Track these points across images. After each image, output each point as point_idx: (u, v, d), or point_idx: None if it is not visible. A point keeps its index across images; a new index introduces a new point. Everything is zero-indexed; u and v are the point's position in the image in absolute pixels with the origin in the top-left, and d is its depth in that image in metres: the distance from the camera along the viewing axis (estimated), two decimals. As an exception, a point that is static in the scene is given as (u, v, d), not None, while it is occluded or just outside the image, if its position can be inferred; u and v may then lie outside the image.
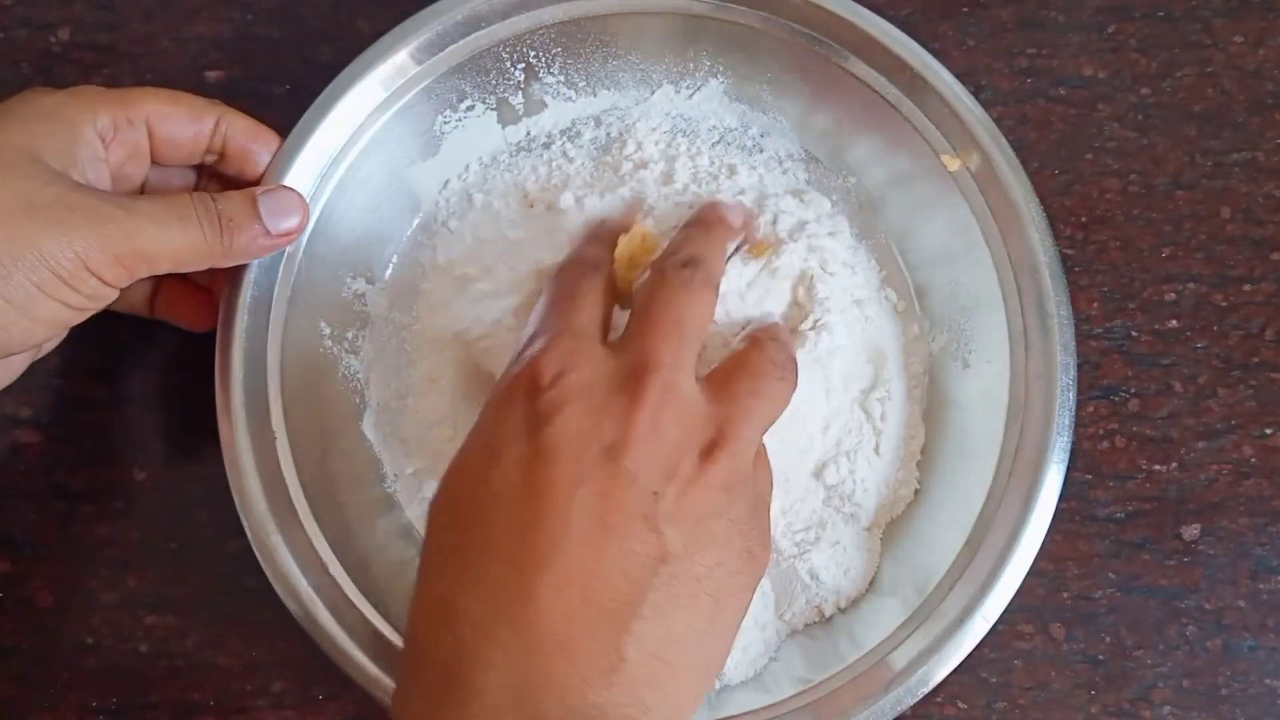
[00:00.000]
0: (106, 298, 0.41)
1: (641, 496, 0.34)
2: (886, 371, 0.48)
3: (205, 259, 0.42)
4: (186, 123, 0.45)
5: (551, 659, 0.32)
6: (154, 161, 0.45)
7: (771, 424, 0.39)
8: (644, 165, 0.51)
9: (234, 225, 0.42)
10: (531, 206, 0.51)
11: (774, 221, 0.47)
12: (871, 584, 0.47)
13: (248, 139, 0.46)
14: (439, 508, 0.37)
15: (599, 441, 0.35)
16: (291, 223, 0.44)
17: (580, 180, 0.51)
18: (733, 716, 0.43)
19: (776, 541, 0.46)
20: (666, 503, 0.34)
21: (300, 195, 0.45)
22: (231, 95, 0.53)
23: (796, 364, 0.41)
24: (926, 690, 0.43)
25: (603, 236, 0.46)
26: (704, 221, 0.44)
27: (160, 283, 0.48)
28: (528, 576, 0.33)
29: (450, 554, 0.35)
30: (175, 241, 0.41)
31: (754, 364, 0.39)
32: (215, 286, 0.47)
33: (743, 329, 0.44)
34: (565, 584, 0.33)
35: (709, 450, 0.36)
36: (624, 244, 0.44)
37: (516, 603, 0.33)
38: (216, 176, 0.48)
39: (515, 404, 0.36)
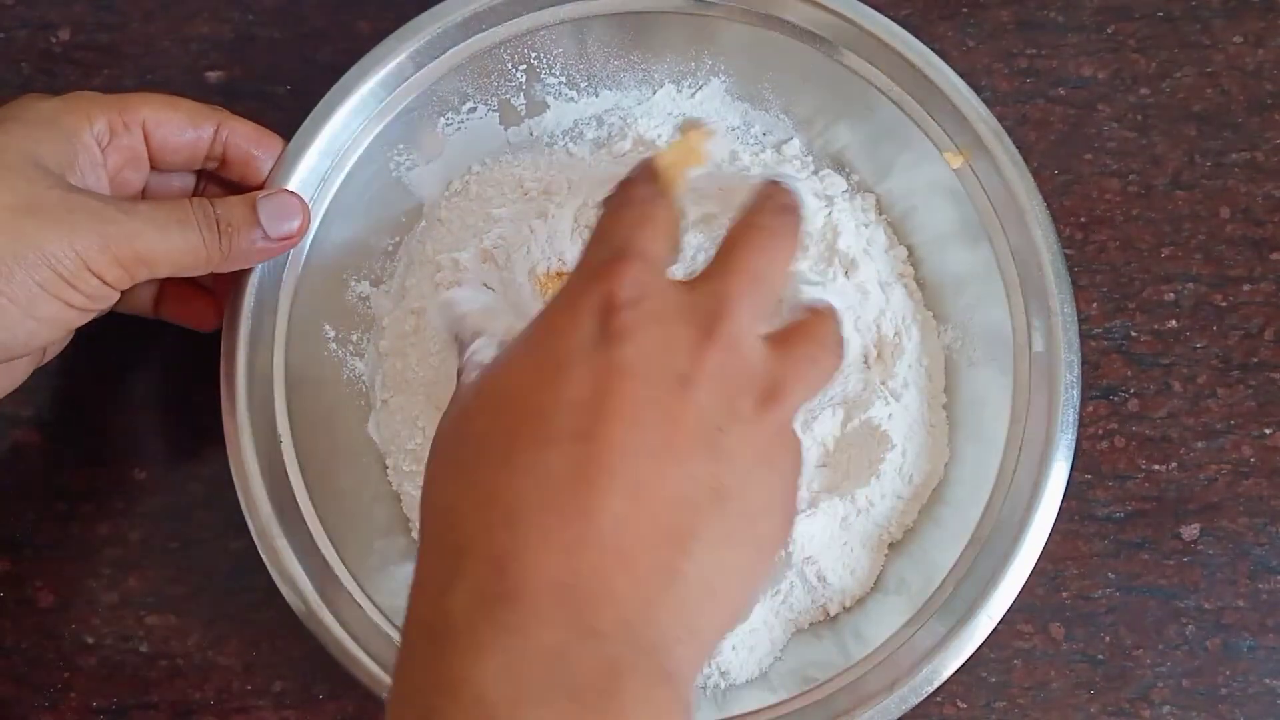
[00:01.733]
0: (108, 299, 0.41)
1: (706, 428, 0.34)
2: (907, 359, 0.49)
3: (205, 264, 0.42)
4: (183, 128, 0.45)
5: (610, 569, 0.32)
6: (153, 167, 0.45)
7: (813, 397, 0.39)
8: (650, 146, 0.51)
9: (233, 230, 0.42)
10: (526, 195, 0.51)
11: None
12: (876, 582, 0.47)
13: (249, 145, 0.46)
14: (484, 396, 0.36)
15: (672, 369, 0.34)
16: (292, 226, 0.44)
17: (579, 169, 0.51)
18: (739, 715, 0.43)
19: (786, 544, 0.46)
20: (728, 439, 0.34)
21: (301, 199, 0.45)
22: (232, 96, 0.53)
23: (845, 347, 0.41)
24: (932, 689, 0.42)
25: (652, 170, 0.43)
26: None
27: (164, 284, 0.48)
28: (592, 480, 0.32)
29: (502, 445, 0.34)
30: (174, 246, 0.41)
31: (818, 334, 0.39)
32: (218, 288, 0.47)
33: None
34: (629, 493, 0.32)
35: (764, 399, 0.35)
36: (673, 150, 0.43)
37: (579, 503, 0.32)
38: (220, 182, 0.47)
39: (584, 317, 0.35)
